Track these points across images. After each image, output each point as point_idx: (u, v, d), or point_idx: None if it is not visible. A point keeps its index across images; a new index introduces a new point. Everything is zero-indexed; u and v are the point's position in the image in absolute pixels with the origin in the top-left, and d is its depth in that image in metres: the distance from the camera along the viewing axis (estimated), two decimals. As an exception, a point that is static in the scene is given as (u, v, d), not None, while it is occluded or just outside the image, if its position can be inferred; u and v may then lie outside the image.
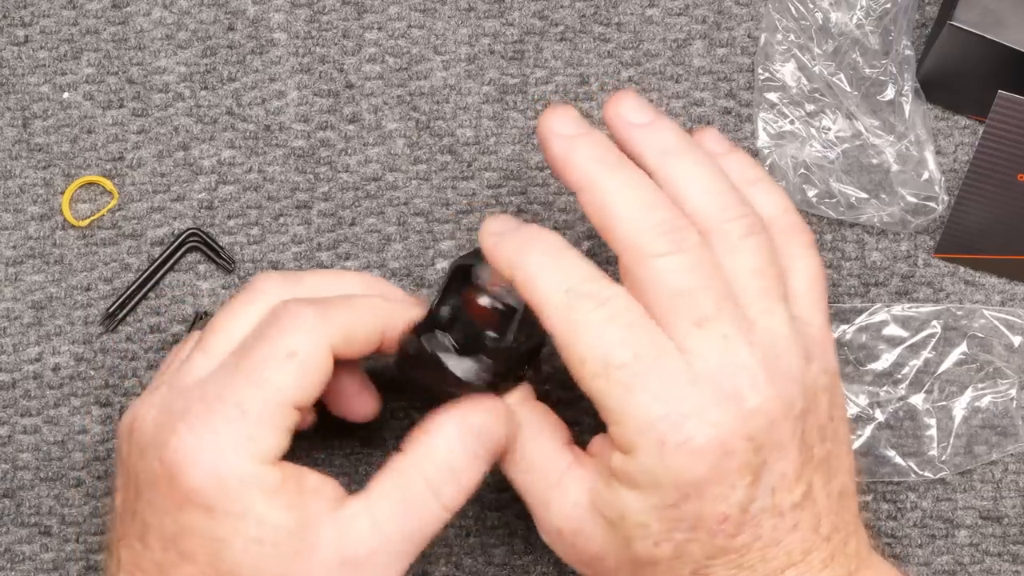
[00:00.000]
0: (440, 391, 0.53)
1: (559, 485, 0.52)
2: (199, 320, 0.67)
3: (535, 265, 0.51)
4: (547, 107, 0.54)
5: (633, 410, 0.49)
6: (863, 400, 0.67)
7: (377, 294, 0.56)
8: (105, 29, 0.70)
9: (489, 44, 0.70)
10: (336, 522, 0.51)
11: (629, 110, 0.53)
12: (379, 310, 0.54)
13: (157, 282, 0.68)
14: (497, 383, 0.53)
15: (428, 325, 0.54)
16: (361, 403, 0.59)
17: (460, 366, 0.52)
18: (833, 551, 0.52)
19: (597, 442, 0.53)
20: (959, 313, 0.68)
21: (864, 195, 0.68)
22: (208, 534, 0.50)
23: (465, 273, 0.54)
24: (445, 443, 0.52)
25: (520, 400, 0.54)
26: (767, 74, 0.69)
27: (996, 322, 0.68)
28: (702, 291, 0.50)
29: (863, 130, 0.68)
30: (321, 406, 0.58)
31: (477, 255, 0.54)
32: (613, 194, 0.51)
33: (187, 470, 0.50)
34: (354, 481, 0.67)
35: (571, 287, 0.50)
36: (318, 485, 0.52)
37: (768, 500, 0.51)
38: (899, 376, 0.67)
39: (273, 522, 0.50)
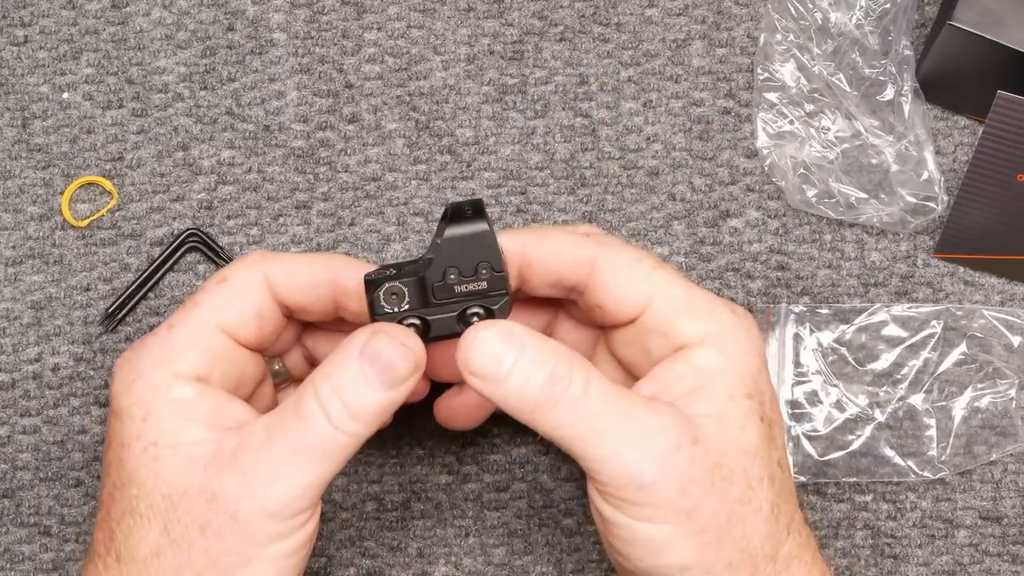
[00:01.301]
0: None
1: (652, 408, 0.52)
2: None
3: (541, 232, 0.55)
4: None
5: (696, 291, 0.54)
6: (863, 400, 0.67)
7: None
8: (105, 29, 0.70)
9: (489, 44, 0.70)
10: (239, 435, 0.52)
11: None
12: (330, 261, 0.55)
13: (157, 282, 0.68)
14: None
15: (389, 266, 0.54)
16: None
17: (381, 297, 0.52)
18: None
19: (645, 390, 0.53)
20: (959, 313, 0.68)
21: (864, 195, 0.68)
22: (117, 441, 0.53)
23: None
24: (339, 363, 0.51)
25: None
26: (767, 74, 0.69)
27: (996, 322, 0.68)
28: None
29: (863, 130, 0.68)
30: None
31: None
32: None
33: (114, 384, 0.53)
34: (353, 480, 0.67)
35: (586, 233, 0.55)
36: (241, 415, 0.53)
37: (774, 411, 0.55)
38: (899, 376, 0.67)
39: (172, 428, 0.52)
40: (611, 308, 0.54)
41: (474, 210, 0.52)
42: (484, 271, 0.52)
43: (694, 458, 0.51)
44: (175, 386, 0.52)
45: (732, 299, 0.68)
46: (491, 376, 0.51)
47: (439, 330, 0.53)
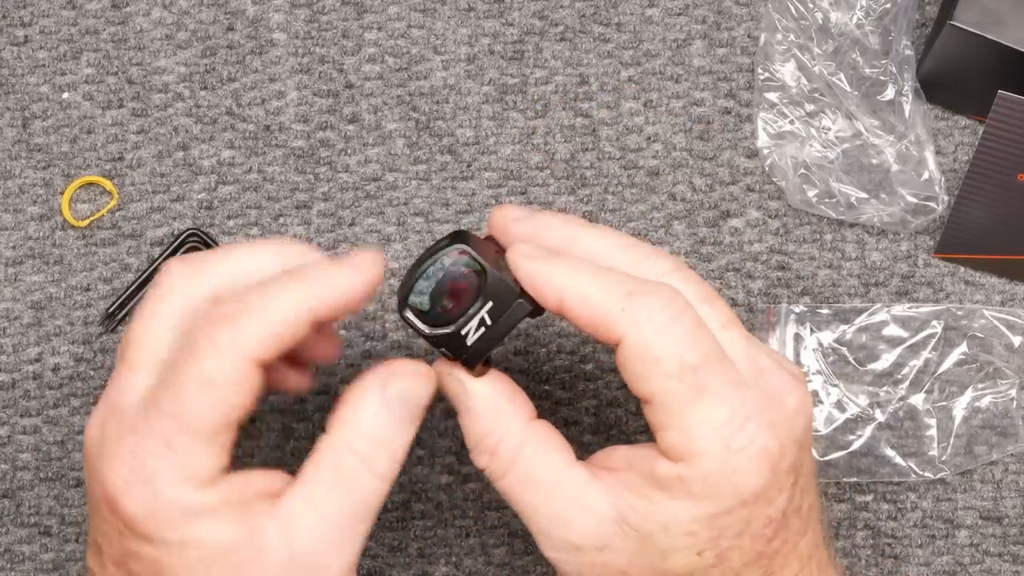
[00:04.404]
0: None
1: (580, 499, 0.51)
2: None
3: (582, 282, 0.51)
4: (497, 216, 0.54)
5: (700, 413, 0.49)
6: (863, 400, 0.67)
7: (298, 270, 0.52)
8: (105, 29, 0.70)
9: (489, 44, 0.70)
10: (279, 520, 0.50)
11: (511, 211, 0.54)
12: (299, 300, 0.50)
13: (157, 282, 0.68)
14: (470, 344, 0.52)
15: (407, 293, 0.53)
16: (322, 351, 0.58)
17: (434, 332, 0.52)
18: (823, 557, 0.53)
19: (615, 455, 0.52)
20: (959, 313, 0.68)
21: (864, 195, 0.68)
22: (152, 559, 0.50)
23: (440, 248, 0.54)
24: (370, 416, 0.50)
25: (525, 419, 0.52)
26: (767, 74, 0.69)
27: (996, 322, 0.68)
28: (716, 299, 0.52)
29: (863, 130, 0.68)
30: None
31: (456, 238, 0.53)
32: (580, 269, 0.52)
33: (124, 502, 0.49)
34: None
35: (631, 290, 0.50)
36: (265, 484, 0.51)
37: (799, 501, 0.51)
38: (899, 376, 0.67)
39: (216, 541, 0.49)
40: (629, 384, 0.51)
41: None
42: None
43: (594, 563, 0.50)
44: (203, 500, 0.49)
45: (733, 299, 0.68)
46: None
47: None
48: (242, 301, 0.50)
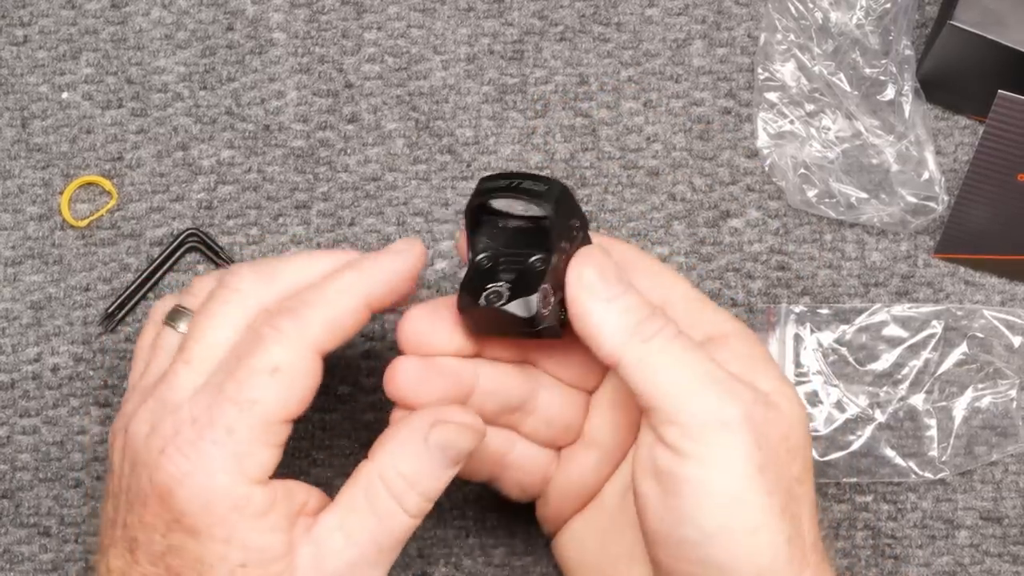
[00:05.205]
0: (516, 335, 0.53)
1: (723, 374, 0.52)
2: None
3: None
4: None
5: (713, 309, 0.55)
6: (863, 400, 0.67)
7: (350, 263, 0.54)
8: (104, 29, 0.70)
9: (488, 44, 0.70)
10: (313, 541, 0.51)
11: None
12: (355, 289, 0.52)
13: (156, 282, 0.68)
14: (558, 308, 0.53)
15: (474, 280, 0.53)
16: None
17: (523, 307, 0.52)
18: None
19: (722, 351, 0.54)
20: (959, 313, 0.68)
21: (864, 195, 0.68)
22: (195, 556, 0.50)
23: (481, 212, 0.54)
24: (408, 456, 0.51)
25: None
26: (767, 74, 0.69)
27: (996, 322, 0.68)
28: None
29: (863, 130, 0.68)
30: None
31: (482, 193, 0.53)
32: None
33: (177, 493, 0.50)
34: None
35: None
36: (305, 499, 0.52)
37: None
38: (899, 376, 0.67)
39: (258, 546, 0.50)
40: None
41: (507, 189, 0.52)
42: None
43: (768, 419, 0.51)
44: (253, 497, 0.50)
45: (732, 299, 0.68)
46: (601, 293, 0.51)
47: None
48: (302, 296, 0.52)
